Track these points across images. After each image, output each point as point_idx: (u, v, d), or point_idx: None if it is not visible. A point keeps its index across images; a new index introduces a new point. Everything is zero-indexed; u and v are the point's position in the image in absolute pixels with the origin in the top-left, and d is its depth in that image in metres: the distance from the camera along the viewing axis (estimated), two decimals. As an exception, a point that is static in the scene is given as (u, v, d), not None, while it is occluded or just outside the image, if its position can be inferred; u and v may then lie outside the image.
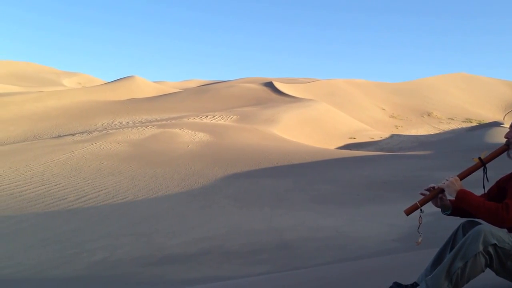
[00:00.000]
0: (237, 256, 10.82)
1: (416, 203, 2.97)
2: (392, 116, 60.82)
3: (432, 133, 50.71)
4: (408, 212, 2.96)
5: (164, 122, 37.19)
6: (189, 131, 31.44)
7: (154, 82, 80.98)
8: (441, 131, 53.04)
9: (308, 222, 13.80)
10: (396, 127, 55.60)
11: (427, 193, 3.05)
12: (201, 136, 30.07)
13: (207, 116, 41.16)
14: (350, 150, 34.52)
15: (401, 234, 11.54)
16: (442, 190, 3.03)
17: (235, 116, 41.38)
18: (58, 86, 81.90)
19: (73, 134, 31.95)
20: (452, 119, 62.19)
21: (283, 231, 12.78)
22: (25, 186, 18.14)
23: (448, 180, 2.99)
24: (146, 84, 68.31)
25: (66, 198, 16.78)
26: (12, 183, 18.58)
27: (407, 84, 77.49)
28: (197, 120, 38.91)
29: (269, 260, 10.36)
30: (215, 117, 40.84)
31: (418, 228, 2.90)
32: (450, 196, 3.02)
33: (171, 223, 14.17)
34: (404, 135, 46.74)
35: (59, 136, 32.76)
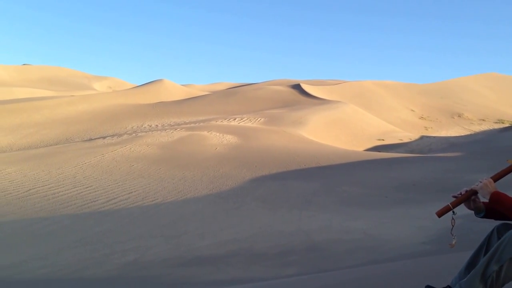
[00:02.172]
0: (265, 258, 10.83)
1: (449, 205, 2.93)
2: (421, 118, 59.89)
3: (463, 135, 49.72)
4: (440, 214, 2.92)
5: (192, 124, 37.48)
6: (217, 134, 31.60)
7: (182, 85, 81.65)
8: (472, 133, 51.96)
9: (336, 224, 13.71)
10: (426, 128, 54.72)
11: (460, 195, 3.00)
12: (229, 139, 30.19)
13: (235, 119, 41.30)
14: (379, 152, 34.15)
15: (431, 236, 11.37)
16: (475, 192, 2.98)
17: (262, 119, 41.40)
18: (89, 90, 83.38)
19: (103, 137, 32.48)
20: (483, 120, 60.87)
21: (311, 233, 12.73)
22: (57, 188, 18.51)
23: (482, 182, 2.94)
24: (174, 87, 68.95)
25: (97, 200, 17.06)
26: (45, 185, 18.99)
27: (437, 85, 76.21)
28: (225, 122, 39.09)
29: (298, 262, 10.33)
30: (243, 120, 40.94)
31: (451, 230, 2.86)
32: (483, 198, 2.97)
33: (200, 225, 14.27)
34: (434, 137, 45.96)
35: (90, 139, 33.35)
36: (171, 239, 12.86)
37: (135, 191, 18.42)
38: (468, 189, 3.00)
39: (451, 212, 2.92)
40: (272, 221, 14.55)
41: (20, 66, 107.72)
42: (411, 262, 7.19)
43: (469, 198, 2.98)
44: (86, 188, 18.72)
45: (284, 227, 13.68)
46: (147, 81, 72.06)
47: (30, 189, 18.25)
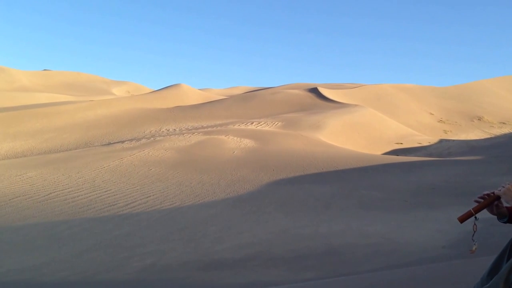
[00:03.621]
0: (283, 262, 10.80)
1: (471, 210, 2.89)
2: (440, 121, 59.26)
3: (483, 138, 49.05)
4: (462, 219, 2.88)
5: (210, 129, 37.62)
6: (235, 138, 31.67)
7: (200, 89, 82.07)
8: (493, 136, 51.23)
9: (355, 228, 13.62)
10: (445, 132, 54.13)
11: (482, 200, 2.96)
12: (246, 143, 30.23)
13: (252, 123, 41.34)
14: (397, 155, 33.87)
15: (451, 240, 11.23)
16: (498, 197, 2.93)
17: (280, 122, 41.38)
18: (108, 95, 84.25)
19: (122, 142, 32.78)
20: (504, 123, 59.96)
21: (329, 237, 12.67)
22: (77, 192, 18.72)
23: (505, 186, 2.90)
24: (192, 92, 69.30)
25: (116, 204, 17.21)
26: (65, 189, 19.22)
27: (456, 88, 75.36)
28: (243, 126, 39.14)
29: (316, 266, 10.29)
30: (260, 124, 40.96)
31: (473, 235, 2.83)
32: (507, 203, 2.93)
33: (218, 229, 14.30)
34: (454, 140, 45.43)
35: (109, 144, 33.67)
36: (190, 243, 12.91)
37: (153, 195, 18.54)
38: (490, 193, 2.95)
39: (473, 217, 2.88)
40: (289, 224, 14.52)
41: (41, 71, 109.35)
42: (431, 267, 7.11)
43: (492, 203, 2.94)
44: (105, 192, 18.90)
45: (302, 231, 13.65)
46: (165, 86, 72.58)
47: (50, 193, 18.48)
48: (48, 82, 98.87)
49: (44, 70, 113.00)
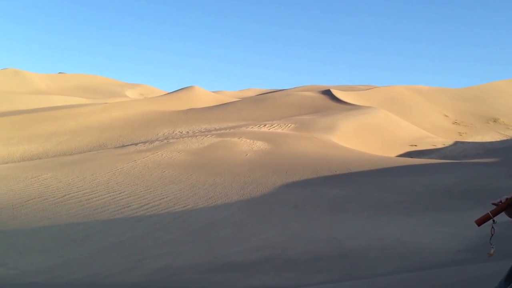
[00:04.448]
0: (296, 265, 10.76)
1: (488, 213, 2.84)
2: (455, 123, 58.74)
3: (498, 140, 48.50)
4: (480, 222, 2.84)
5: (223, 131, 37.68)
6: (248, 140, 31.68)
7: (213, 91, 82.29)
8: (509, 138, 50.63)
9: (368, 231, 13.53)
10: (460, 134, 53.64)
11: (500, 203, 2.91)
12: (259, 145, 30.22)
13: (265, 125, 41.34)
14: (411, 158, 33.62)
15: (467, 244, 11.10)
16: None
17: (293, 125, 41.32)
18: (121, 97, 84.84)
19: (136, 144, 32.96)
20: (520, 125, 59.27)
21: (342, 240, 12.59)
22: (91, 194, 18.85)
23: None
24: (205, 94, 69.50)
25: (130, 206, 17.30)
26: (80, 191, 19.36)
27: (471, 90, 74.65)
28: (255, 129, 39.16)
29: (329, 269, 10.23)
30: (273, 126, 40.94)
31: (490, 239, 2.78)
32: None
33: (230, 231, 14.29)
34: (469, 142, 44.98)
35: (123, 146, 33.88)
36: (202, 245, 12.93)
37: (166, 197, 18.60)
38: (508, 197, 2.90)
39: (491, 220, 2.84)
40: (302, 227, 14.47)
41: (56, 74, 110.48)
42: (446, 271, 7.04)
43: (510, 206, 2.89)
44: (119, 194, 19.01)
45: (315, 233, 13.59)
46: (178, 88, 72.87)
47: (65, 195, 18.63)
48: (63, 85, 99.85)
49: (59, 73, 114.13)
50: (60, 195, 18.56)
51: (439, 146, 41.29)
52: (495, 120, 60.80)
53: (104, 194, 18.87)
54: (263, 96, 68.50)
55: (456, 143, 43.46)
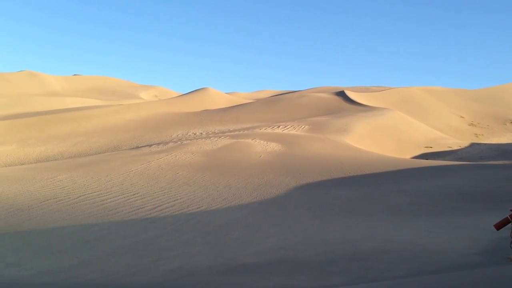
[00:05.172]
0: (310, 266, 10.71)
1: (508, 217, 2.81)
2: (471, 124, 58.16)
3: (515, 142, 47.89)
4: (499, 227, 2.80)
5: (236, 132, 37.73)
6: (261, 141, 31.68)
7: (226, 93, 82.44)
8: (526, 139, 50.00)
9: (382, 233, 13.43)
10: (476, 135, 53.10)
11: None
12: (273, 146, 30.21)
13: (279, 126, 41.31)
14: (427, 159, 33.34)
15: (483, 247, 10.95)
16: None
17: (306, 126, 41.24)
18: (136, 99, 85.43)
19: (150, 145, 33.13)
20: (537, 126, 58.47)
21: (356, 242, 12.51)
22: (106, 195, 18.98)
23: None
24: (218, 96, 69.66)
25: (144, 207, 17.38)
26: (94, 192, 19.51)
27: (487, 91, 73.85)
28: (269, 130, 39.15)
29: (343, 271, 10.17)
30: (286, 127, 40.90)
31: (511, 243, 2.74)
32: None
33: (244, 233, 14.29)
34: (485, 144, 44.48)
35: (137, 147, 34.09)
36: (216, 247, 12.94)
37: (180, 199, 18.66)
38: None
39: (510, 224, 2.80)
40: (316, 229, 14.42)
41: (71, 76, 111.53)
42: (461, 274, 6.96)
43: None
44: (133, 195, 19.11)
45: (329, 235, 13.52)
46: (192, 90, 73.15)
47: (80, 196, 18.79)
48: (78, 86, 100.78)
49: (74, 75, 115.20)
50: (75, 196, 18.72)
51: (455, 147, 40.91)
52: (511, 122, 60.07)
53: (119, 195, 18.98)
54: (276, 98, 68.51)
55: (472, 144, 43.02)
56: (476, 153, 39.08)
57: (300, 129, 40.28)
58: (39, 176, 22.60)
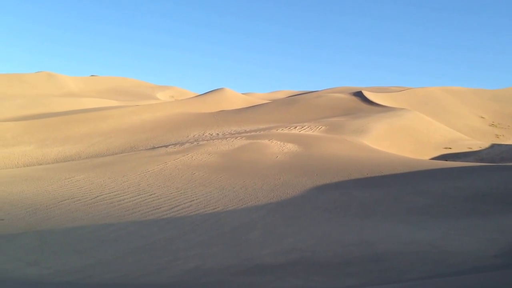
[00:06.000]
0: (327, 268, 10.62)
1: None
2: (492, 125, 57.35)
3: (537, 142, 47.08)
4: None
5: (253, 133, 37.70)
6: (278, 142, 31.60)
7: (243, 93, 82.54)
8: (547, 140, 49.14)
9: (400, 234, 13.27)
10: (497, 136, 52.35)
11: None
12: (289, 147, 30.11)
13: (295, 127, 41.19)
14: (446, 160, 32.94)
15: (504, 249, 10.77)
16: None
17: (323, 127, 41.05)
18: (152, 99, 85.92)
19: (166, 146, 33.26)
20: (559, 126, 57.42)
21: (374, 243, 12.38)
22: (123, 196, 19.07)
23: None
24: (235, 96, 69.75)
25: (160, 207, 17.42)
26: (111, 192, 19.61)
27: (508, 91, 72.80)
28: (286, 131, 39.05)
29: (360, 272, 10.06)
30: (303, 128, 40.76)
31: None
32: None
33: (260, 233, 14.23)
34: (506, 145, 43.78)
35: (154, 148, 34.25)
36: (232, 247, 12.90)
37: (196, 199, 18.67)
38: None
39: None
40: (333, 230, 14.30)
41: (88, 77, 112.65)
42: (481, 276, 6.82)
43: None
44: (150, 195, 19.17)
45: (346, 236, 13.40)
46: (208, 90, 73.38)
47: (97, 196, 18.91)
48: (95, 87, 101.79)
49: (92, 76, 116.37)
50: (93, 196, 18.84)
51: (475, 148, 40.35)
52: (532, 122, 59.12)
53: (135, 196, 19.06)
54: (293, 98, 68.35)
55: (493, 145, 42.39)
56: (497, 154, 38.51)
57: (317, 129, 40.11)
58: (57, 176, 22.81)
